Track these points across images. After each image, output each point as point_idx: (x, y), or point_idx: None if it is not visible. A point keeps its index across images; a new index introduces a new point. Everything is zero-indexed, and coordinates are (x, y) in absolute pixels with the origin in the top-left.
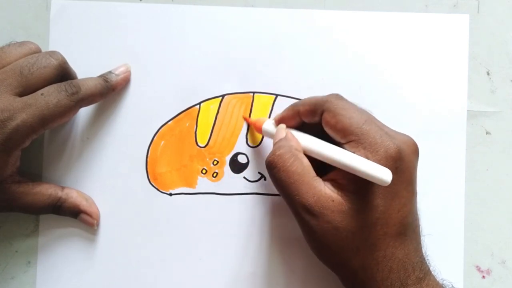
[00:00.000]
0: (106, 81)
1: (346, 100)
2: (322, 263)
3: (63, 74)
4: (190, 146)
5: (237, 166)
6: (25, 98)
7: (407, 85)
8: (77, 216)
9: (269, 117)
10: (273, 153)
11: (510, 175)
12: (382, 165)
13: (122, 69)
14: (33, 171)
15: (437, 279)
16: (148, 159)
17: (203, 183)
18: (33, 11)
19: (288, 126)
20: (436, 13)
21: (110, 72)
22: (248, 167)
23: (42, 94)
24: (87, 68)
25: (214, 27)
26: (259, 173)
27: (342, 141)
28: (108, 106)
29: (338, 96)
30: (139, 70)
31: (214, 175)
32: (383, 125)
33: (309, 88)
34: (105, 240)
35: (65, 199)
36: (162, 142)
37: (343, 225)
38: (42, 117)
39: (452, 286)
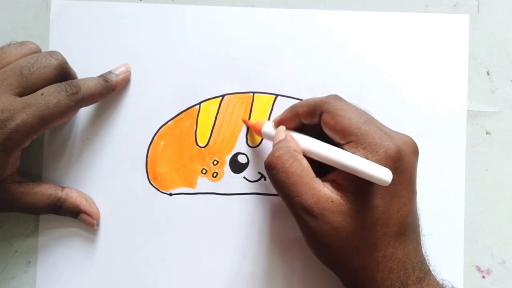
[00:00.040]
0: (106, 81)
1: (345, 101)
2: (322, 263)
3: (63, 74)
4: (190, 146)
5: (237, 166)
6: (25, 98)
7: (407, 85)
8: (77, 216)
9: (269, 117)
10: (272, 154)
11: (510, 175)
12: (382, 165)
13: (122, 69)
14: (33, 171)
15: (437, 279)
16: (148, 159)
17: (203, 183)
18: (33, 11)
19: (287, 128)
20: (436, 13)
21: (110, 72)
22: (248, 167)
23: (42, 94)
24: (87, 68)
25: (214, 27)
26: (259, 173)
27: (342, 142)
28: (108, 106)
29: (336, 97)
30: (139, 70)
31: (214, 175)
32: (383, 125)
33: (309, 88)
34: (105, 240)
35: (65, 199)
36: (162, 142)
37: (343, 226)
38: (42, 117)
39: (452, 286)
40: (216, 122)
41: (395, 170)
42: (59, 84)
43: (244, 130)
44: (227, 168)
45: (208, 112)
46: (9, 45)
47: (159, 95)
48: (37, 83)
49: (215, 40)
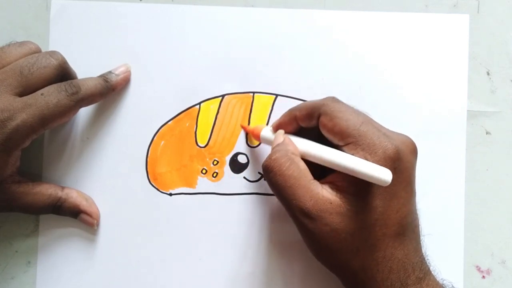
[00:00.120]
0: (106, 81)
1: (342, 103)
2: (322, 264)
3: (63, 74)
4: (190, 146)
5: (237, 166)
6: (25, 98)
7: (407, 85)
8: (77, 216)
9: (269, 117)
10: (269, 157)
11: (510, 175)
12: (381, 166)
13: (122, 69)
14: (33, 171)
15: (437, 279)
16: (148, 159)
17: (203, 183)
18: (33, 11)
19: (286, 132)
20: (436, 13)
21: (110, 72)
22: (248, 167)
23: (42, 94)
24: (87, 68)
25: (214, 27)
26: (259, 173)
27: (340, 143)
28: (108, 106)
29: (334, 99)
30: (139, 70)
31: (214, 175)
32: (381, 126)
33: (309, 88)
34: (105, 240)
35: (65, 199)
36: (162, 142)
37: (342, 227)
38: (42, 117)
39: (452, 286)
40: (216, 122)
41: (394, 171)
42: (59, 84)
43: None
44: (227, 168)
45: (208, 112)
46: (9, 45)
47: (159, 95)
48: (37, 83)
49: (215, 40)
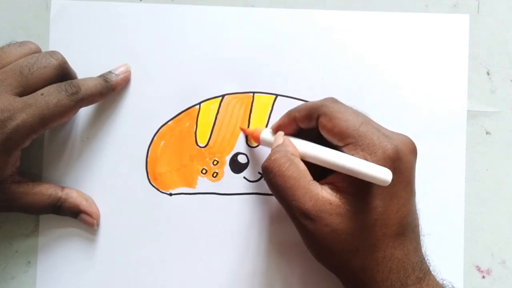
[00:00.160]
0: (106, 81)
1: (341, 103)
2: (322, 265)
3: (63, 74)
4: (190, 146)
5: (237, 166)
6: (25, 98)
7: (407, 85)
8: (77, 216)
9: (269, 117)
10: (268, 158)
11: (510, 175)
12: (381, 166)
13: (122, 69)
14: (33, 171)
15: (437, 279)
16: (148, 159)
17: (203, 183)
18: (33, 11)
19: (285, 134)
20: (436, 13)
21: (110, 72)
22: (248, 167)
23: (42, 94)
24: (87, 68)
25: (214, 27)
26: (259, 173)
27: (340, 144)
28: (108, 106)
29: (333, 100)
30: (139, 70)
31: (214, 175)
32: (380, 126)
33: (309, 88)
34: (105, 240)
35: (65, 199)
36: (162, 142)
37: (342, 228)
38: (42, 117)
39: (452, 286)
40: (216, 122)
41: (393, 171)
42: (59, 84)
43: None
44: (227, 168)
45: (208, 112)
46: (9, 45)
47: (159, 95)
48: (37, 83)
49: (215, 40)
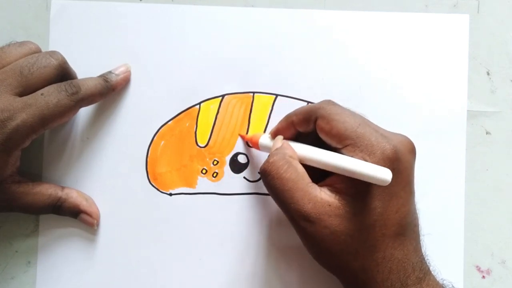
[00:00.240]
0: (106, 81)
1: (338, 105)
2: (322, 266)
3: (63, 74)
4: (190, 146)
5: (237, 166)
6: (25, 98)
7: (407, 85)
8: (77, 216)
9: (269, 117)
10: (267, 161)
11: (510, 175)
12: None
13: (122, 69)
14: (33, 171)
15: (437, 279)
16: (148, 159)
17: (203, 183)
18: (33, 11)
19: (284, 138)
20: (436, 13)
21: (110, 72)
22: (248, 167)
23: (42, 94)
24: (87, 68)
25: (214, 27)
26: (259, 173)
27: (339, 146)
28: (108, 106)
29: (330, 102)
30: (139, 70)
31: (214, 175)
32: (378, 126)
33: (309, 88)
34: (105, 240)
35: (65, 199)
36: (162, 142)
37: (341, 229)
38: (42, 117)
39: (452, 286)
40: (216, 122)
41: (392, 171)
42: (59, 84)
43: (244, 130)
44: (227, 168)
45: (208, 112)
46: (9, 45)
47: (159, 95)
48: (37, 83)
49: (215, 40)
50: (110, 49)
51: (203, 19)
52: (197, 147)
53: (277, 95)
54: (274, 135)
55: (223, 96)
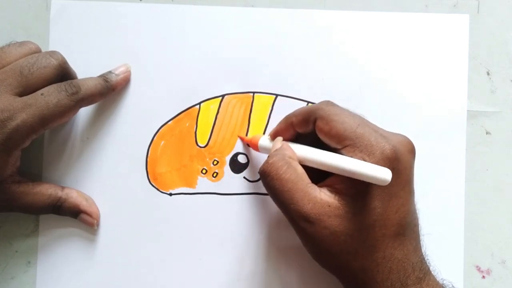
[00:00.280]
0: (106, 81)
1: (337, 106)
2: (322, 267)
3: (63, 74)
4: (190, 146)
5: (237, 166)
6: (25, 98)
7: (407, 85)
8: (77, 216)
9: (269, 117)
10: (266, 161)
11: (510, 175)
12: None
13: (122, 69)
14: (33, 171)
15: (437, 279)
16: (148, 159)
17: (203, 183)
18: (33, 11)
19: (283, 139)
20: (436, 13)
21: (110, 72)
22: (248, 167)
23: (42, 94)
24: (87, 68)
25: (214, 27)
26: (259, 173)
27: (338, 146)
28: (108, 106)
29: (329, 103)
30: (139, 70)
31: (214, 175)
32: (377, 127)
33: (309, 88)
34: (105, 240)
35: (65, 199)
36: (162, 142)
37: (341, 229)
38: (42, 117)
39: (452, 286)
40: (216, 122)
41: (392, 171)
42: (59, 84)
43: (244, 130)
44: (227, 168)
45: (208, 112)
46: (9, 45)
47: (159, 95)
48: (37, 83)
49: (215, 40)
50: (110, 49)
51: (203, 19)
52: (197, 147)
53: (277, 95)
54: (273, 136)
55: (223, 96)
